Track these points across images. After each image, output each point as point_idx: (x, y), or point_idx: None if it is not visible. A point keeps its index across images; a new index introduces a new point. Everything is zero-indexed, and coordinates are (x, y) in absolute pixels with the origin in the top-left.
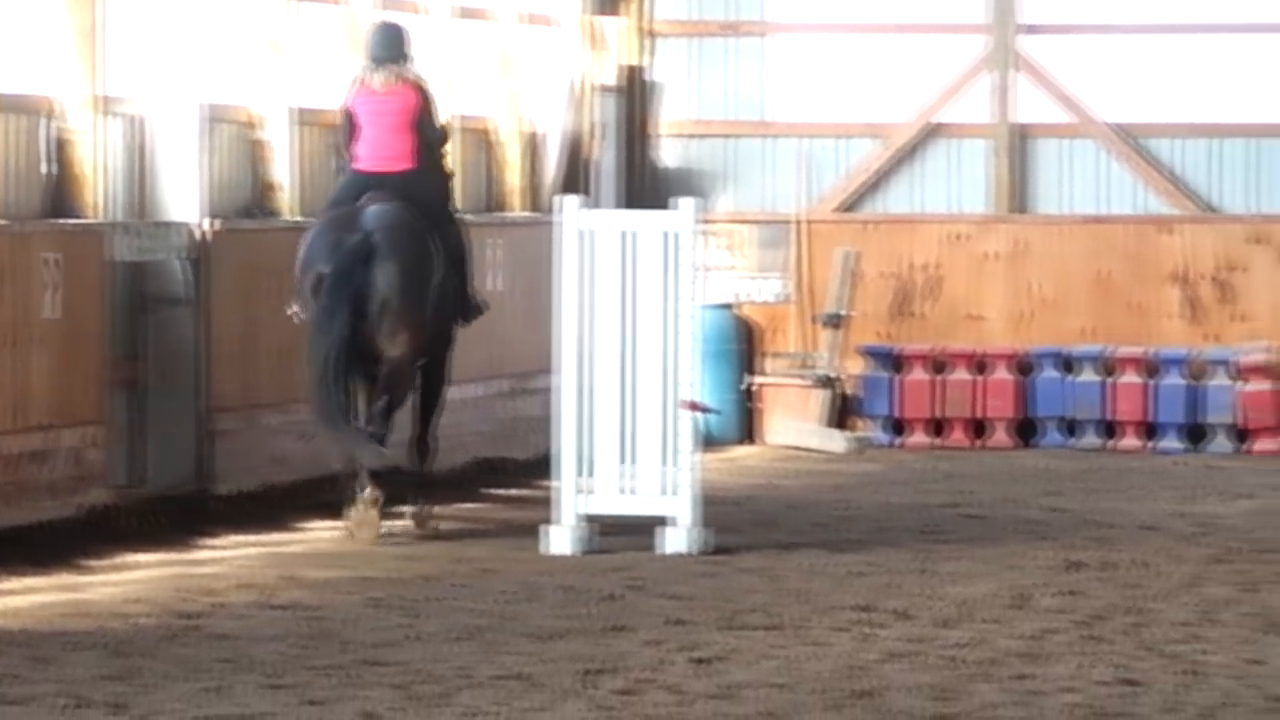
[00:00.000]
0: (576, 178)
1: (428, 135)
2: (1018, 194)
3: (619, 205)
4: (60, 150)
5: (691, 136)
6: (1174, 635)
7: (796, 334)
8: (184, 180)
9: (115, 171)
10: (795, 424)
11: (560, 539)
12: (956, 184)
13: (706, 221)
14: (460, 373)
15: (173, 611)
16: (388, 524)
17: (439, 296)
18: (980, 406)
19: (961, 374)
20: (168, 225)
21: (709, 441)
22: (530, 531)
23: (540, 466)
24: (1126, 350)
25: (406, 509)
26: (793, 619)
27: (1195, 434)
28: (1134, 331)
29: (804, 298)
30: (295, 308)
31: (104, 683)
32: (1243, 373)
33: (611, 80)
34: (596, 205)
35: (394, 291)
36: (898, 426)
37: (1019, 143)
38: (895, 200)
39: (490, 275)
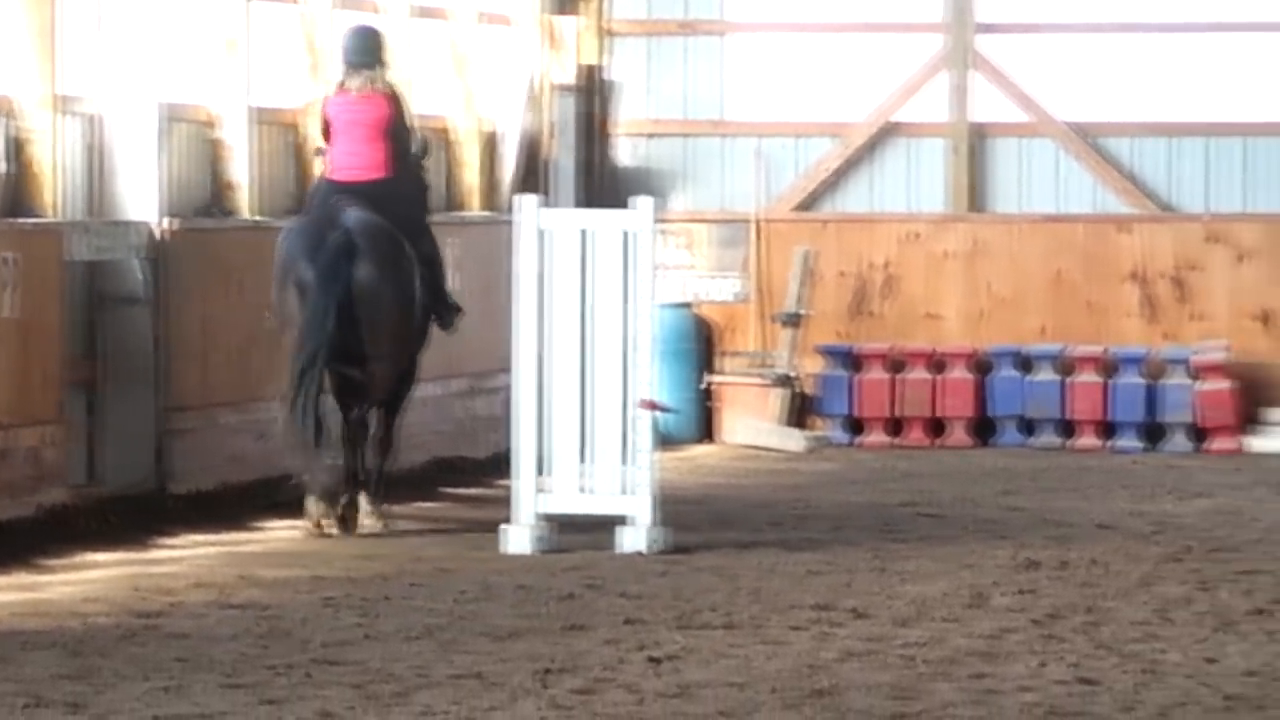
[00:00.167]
0: (534, 177)
1: (401, 144)
2: (975, 193)
3: (576, 204)
4: (18, 149)
5: (649, 136)
6: (1130, 634)
7: (754, 333)
8: (141, 179)
9: (73, 171)
10: (753, 423)
11: (518, 538)
12: (914, 183)
13: (664, 221)
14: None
15: (130, 611)
16: (344, 521)
17: (417, 300)
18: (938, 405)
19: (919, 373)
20: (125, 224)
21: (666, 441)
22: (488, 531)
23: (498, 466)
24: (1084, 349)
25: (364, 505)
26: (750, 618)
27: (1152, 433)
28: (1091, 331)
29: (762, 297)
30: (270, 312)
31: (61, 682)
32: (1200, 372)
33: (569, 79)
34: (554, 204)
35: (374, 293)
36: (855, 425)
37: (976, 142)
38: (853, 199)
39: (448, 274)
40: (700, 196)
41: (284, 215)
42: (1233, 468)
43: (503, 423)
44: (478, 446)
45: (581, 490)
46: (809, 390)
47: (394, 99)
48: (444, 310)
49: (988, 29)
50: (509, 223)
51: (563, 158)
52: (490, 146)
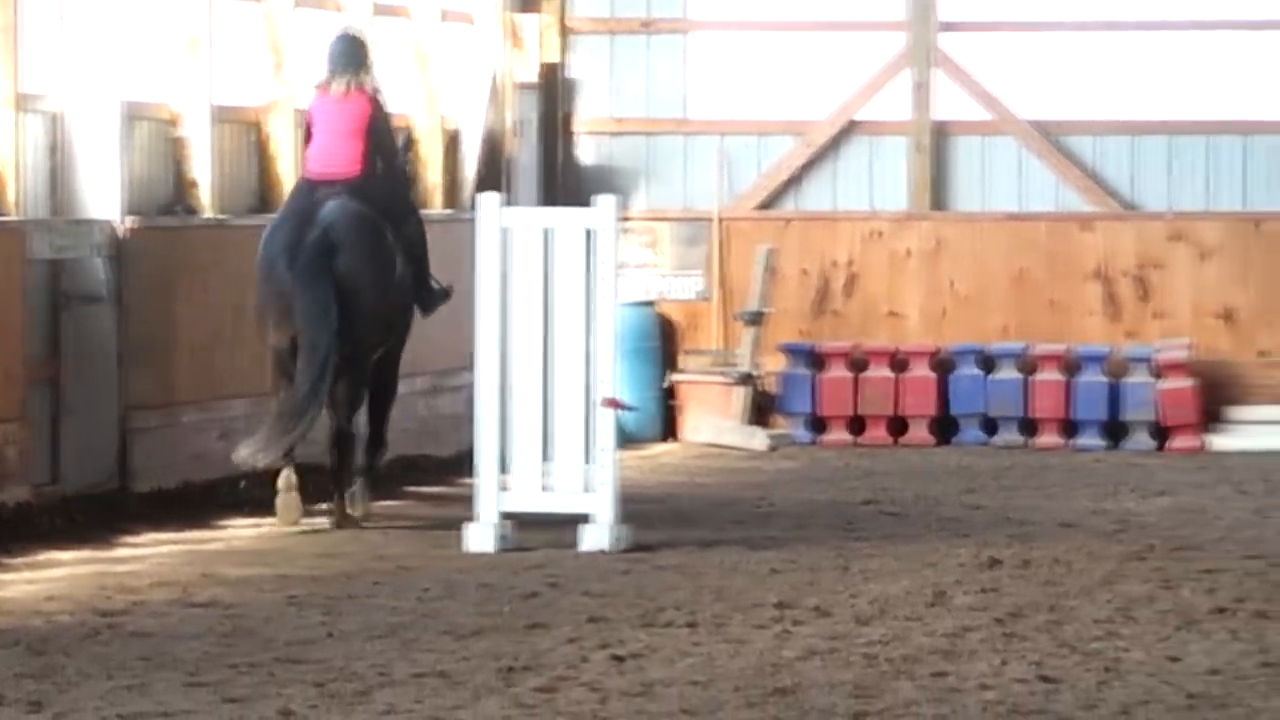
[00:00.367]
0: (495, 175)
1: (380, 143)
2: (937, 191)
3: (537, 203)
4: None
5: (610, 134)
6: (1092, 632)
7: (716, 332)
8: (103, 177)
9: (34, 169)
10: (715, 421)
11: (479, 536)
12: (876, 181)
13: (625, 219)
14: None
15: (92, 609)
16: (315, 507)
17: (399, 288)
18: (899, 404)
19: (880, 371)
20: (87, 223)
21: (628, 439)
22: (450, 529)
23: (460, 464)
24: (1045, 348)
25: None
26: (711, 616)
27: (1114, 431)
28: (1053, 329)
29: (724, 295)
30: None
31: (23, 680)
32: (1162, 370)
33: (531, 78)
34: (515, 202)
35: (355, 285)
36: (817, 424)
37: (938, 140)
38: (814, 198)
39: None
40: (662, 195)
41: (246, 213)
42: (1195, 466)
43: (466, 421)
44: (441, 445)
45: (543, 488)
46: (771, 389)
47: (375, 100)
48: (426, 295)
49: (950, 27)
50: (471, 221)
51: (524, 156)
52: (452, 144)
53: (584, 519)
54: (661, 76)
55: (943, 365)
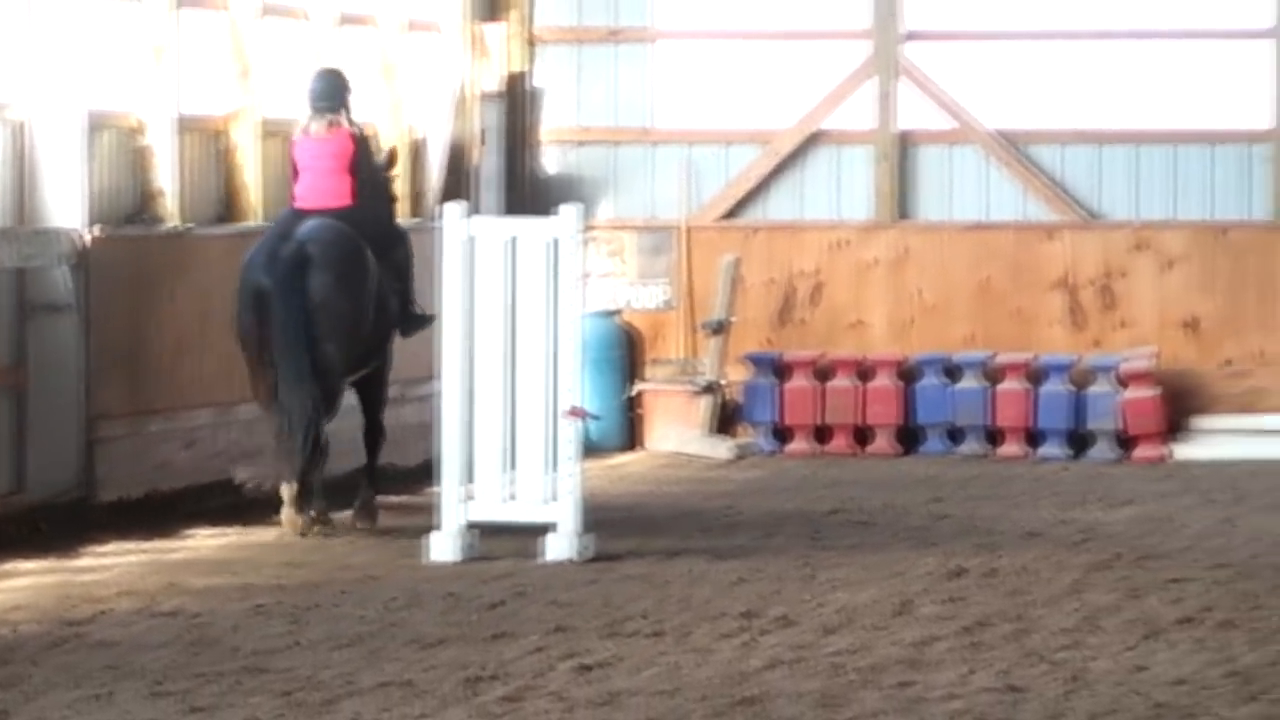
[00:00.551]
0: (459, 184)
1: (365, 177)
2: (901, 201)
3: (501, 212)
4: None
5: (575, 143)
6: (1057, 642)
7: (680, 341)
8: (67, 187)
9: None
10: (679, 431)
11: (443, 546)
12: (840, 191)
13: (589, 228)
14: None
15: (58, 619)
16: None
17: (378, 309)
18: (863, 413)
19: (844, 381)
20: (51, 232)
21: (592, 448)
22: (414, 538)
23: (424, 473)
24: (1009, 357)
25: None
26: (676, 626)
27: (1078, 441)
28: (1017, 338)
29: (688, 305)
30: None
31: None
32: (1126, 380)
33: (495, 87)
34: (479, 212)
35: (326, 302)
36: (782, 433)
37: (902, 149)
38: (778, 207)
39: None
40: (627, 204)
41: (211, 223)
42: (1159, 475)
43: (431, 430)
44: (406, 454)
45: (508, 498)
46: (735, 398)
47: (358, 136)
48: (408, 318)
49: (914, 36)
50: (434, 230)
51: (489, 165)
52: (416, 154)
53: (549, 528)
54: (626, 86)
55: (907, 374)
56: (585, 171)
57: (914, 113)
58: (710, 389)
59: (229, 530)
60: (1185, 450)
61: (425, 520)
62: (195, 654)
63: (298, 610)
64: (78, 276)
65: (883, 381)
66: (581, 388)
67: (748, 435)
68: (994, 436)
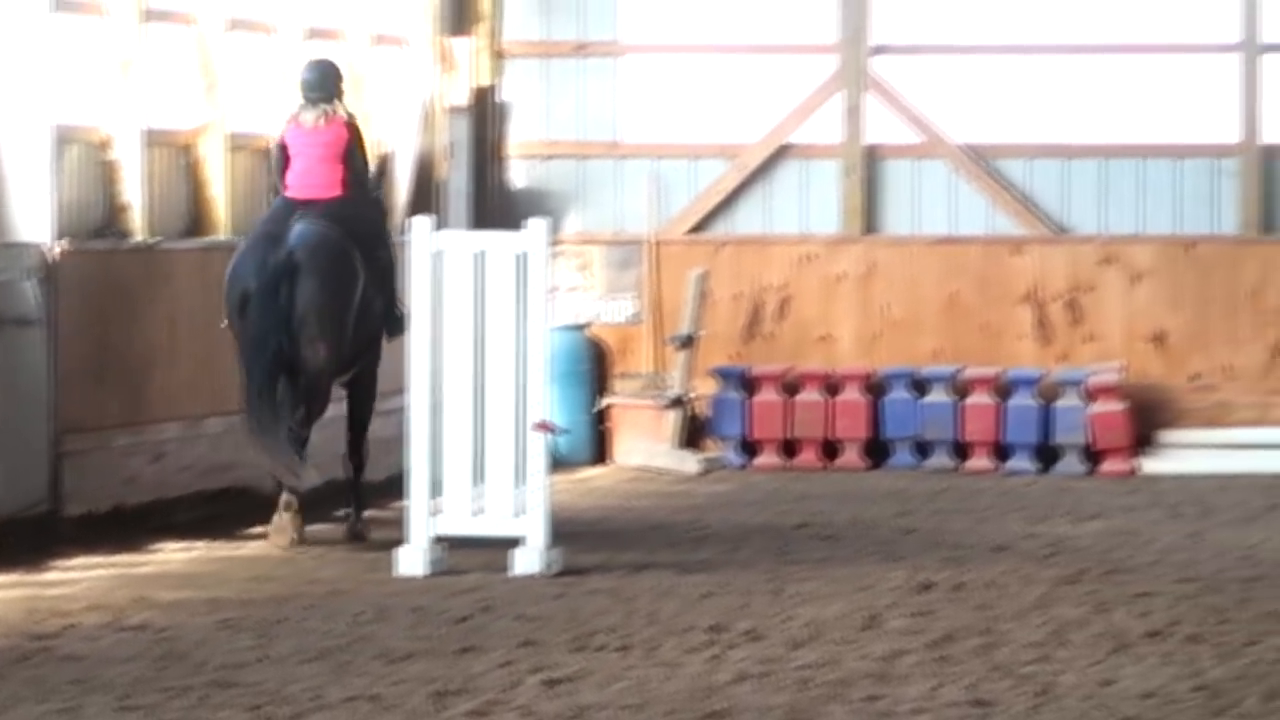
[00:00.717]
0: (427, 198)
1: (356, 167)
2: (869, 215)
3: (469, 226)
4: None
5: (542, 157)
6: (1025, 656)
7: (648, 355)
8: (34, 201)
9: None
10: (646, 445)
11: (411, 560)
12: (808, 205)
13: (557, 242)
14: None
15: (24, 633)
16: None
17: (363, 313)
18: (831, 427)
19: (812, 395)
20: (18, 246)
21: (560, 462)
22: (382, 552)
23: (392, 487)
24: (977, 371)
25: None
26: (644, 640)
27: (1046, 455)
28: (985, 352)
29: (656, 319)
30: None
31: None
32: (1093, 393)
33: (462, 100)
34: (446, 225)
35: (313, 307)
36: (749, 447)
37: (870, 163)
38: (746, 221)
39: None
40: (594, 218)
41: (178, 237)
42: (1127, 490)
43: (397, 444)
44: (374, 468)
45: (475, 512)
46: (703, 412)
47: (350, 126)
48: (393, 321)
49: (881, 50)
50: (403, 244)
51: (456, 179)
52: (384, 168)
53: (516, 542)
54: (594, 99)
55: (875, 388)
56: (553, 185)
57: (881, 126)
58: (678, 403)
59: (197, 544)
60: (1153, 464)
61: (393, 534)
62: (163, 668)
63: (265, 624)
64: (45, 290)
65: (850, 395)
66: (549, 402)
67: (715, 449)
68: (962, 450)
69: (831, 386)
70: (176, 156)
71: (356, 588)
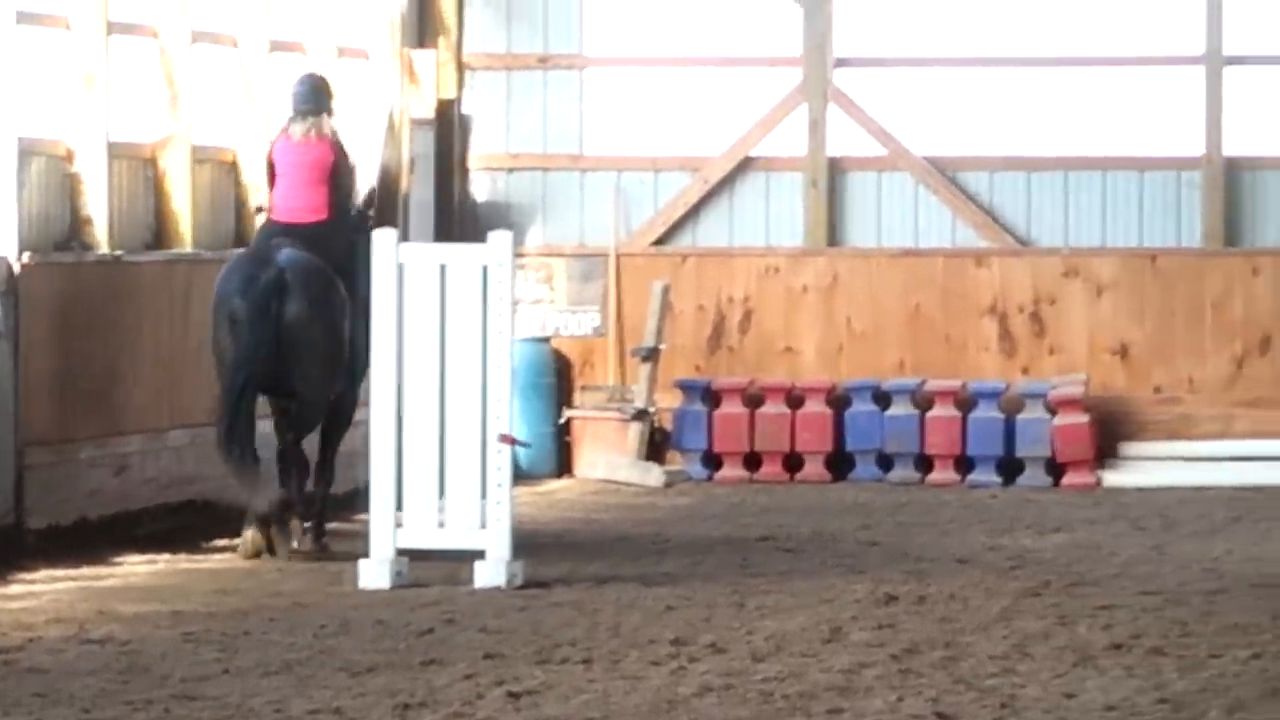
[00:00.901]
0: (391, 211)
1: (342, 188)
2: (832, 227)
3: (433, 239)
4: None
5: (506, 170)
6: (988, 669)
7: (612, 367)
8: None
9: None
10: (610, 458)
11: (374, 573)
12: (771, 217)
13: (521, 255)
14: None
15: None
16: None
17: (349, 338)
18: (795, 440)
19: (775, 407)
20: None
21: (522, 475)
22: (344, 565)
23: (355, 500)
24: (941, 384)
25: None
26: (607, 653)
27: (1008, 467)
28: (948, 365)
29: (619, 331)
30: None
31: None
32: (1057, 406)
33: (426, 113)
34: (409, 239)
35: (303, 328)
36: (712, 460)
37: (833, 176)
38: (709, 233)
39: None
40: (558, 231)
41: (141, 250)
42: (1090, 502)
43: (361, 457)
44: (337, 480)
45: (439, 525)
46: (666, 425)
47: (337, 145)
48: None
49: (844, 63)
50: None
51: (420, 192)
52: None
53: (479, 555)
54: (557, 112)
55: (838, 401)
56: (515, 198)
57: (844, 139)
58: (640, 416)
59: (159, 557)
60: (1115, 477)
61: (356, 547)
62: (125, 681)
63: (228, 638)
64: (8, 304)
65: (813, 408)
66: (512, 414)
67: (678, 462)
68: (924, 463)
69: (794, 399)
70: (140, 169)
71: (319, 601)
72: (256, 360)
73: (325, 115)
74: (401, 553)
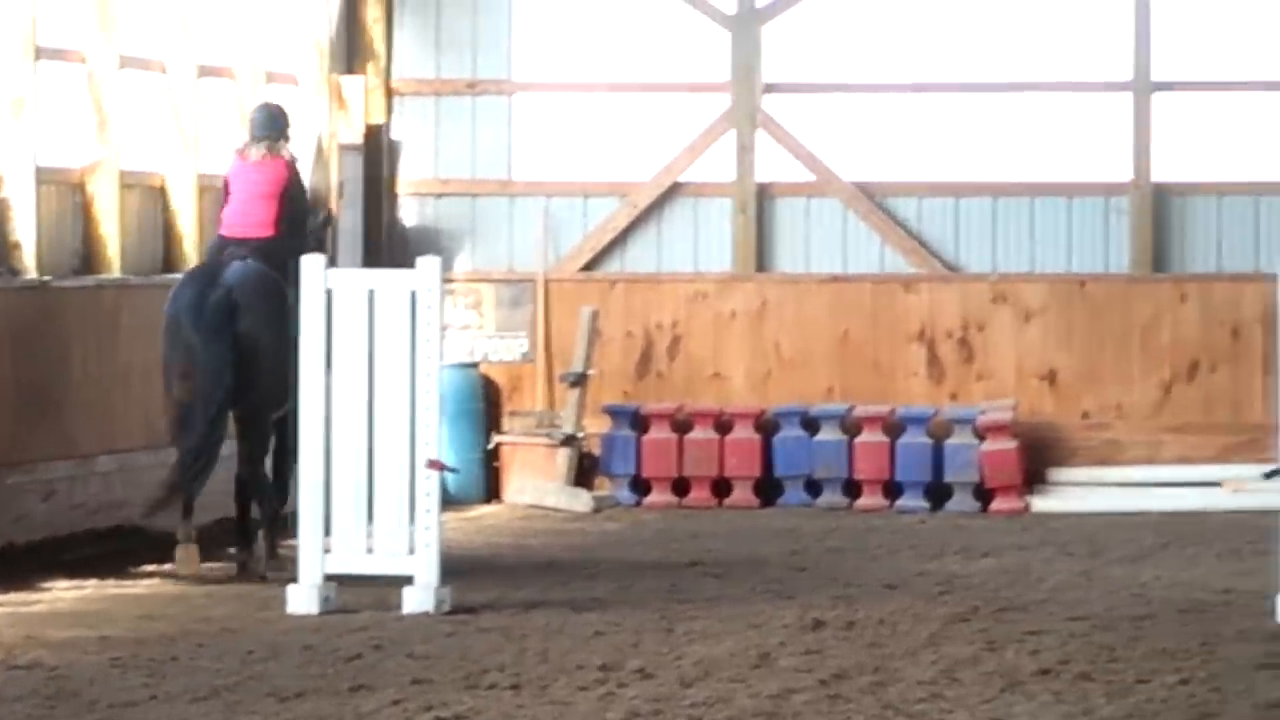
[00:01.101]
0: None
1: (293, 208)
2: (761, 253)
3: (361, 264)
4: None
5: (434, 195)
6: (917, 694)
7: (540, 393)
8: None
9: None
10: (538, 483)
11: (302, 598)
12: (700, 243)
13: (449, 280)
14: None
15: None
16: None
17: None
18: (723, 465)
19: (704, 433)
20: None
21: (451, 500)
22: (273, 591)
23: (284, 525)
24: (868, 409)
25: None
26: (536, 678)
27: (937, 493)
28: (876, 390)
29: (548, 357)
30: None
31: None
32: (985, 432)
33: (354, 139)
34: (337, 264)
35: (257, 343)
36: (641, 485)
37: (761, 201)
38: (637, 259)
39: None
40: (486, 256)
41: (69, 275)
42: (1018, 528)
43: (290, 482)
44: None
45: (367, 550)
46: (594, 450)
47: (291, 167)
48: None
49: (773, 89)
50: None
51: (348, 217)
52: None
53: (407, 581)
54: (486, 138)
55: (767, 427)
56: (444, 223)
57: (773, 165)
58: (569, 441)
59: (87, 582)
60: (1043, 502)
61: (285, 572)
62: (53, 707)
63: (155, 663)
64: None
65: (742, 434)
66: (440, 440)
67: (606, 487)
68: (853, 488)
69: (723, 425)
70: (68, 194)
71: (247, 626)
72: (223, 388)
73: (282, 141)
74: (330, 578)
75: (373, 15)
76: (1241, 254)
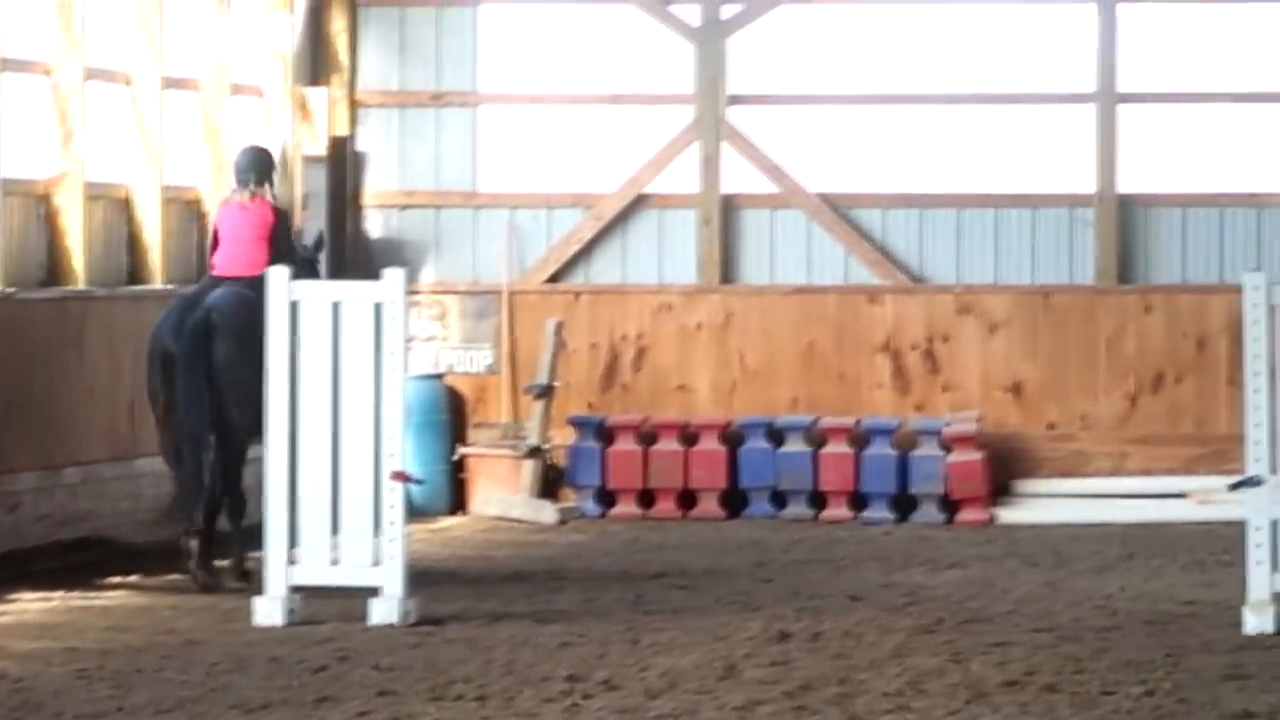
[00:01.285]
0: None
1: (281, 250)
2: (726, 264)
3: (326, 276)
4: None
5: (399, 207)
6: (882, 706)
7: (505, 405)
8: None
9: None
10: (503, 495)
11: (268, 610)
12: (665, 254)
13: (414, 292)
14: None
15: None
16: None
17: None
18: (688, 477)
19: (669, 445)
20: None
21: (416, 512)
22: (239, 603)
23: (249, 537)
24: (833, 421)
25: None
26: (501, 690)
27: (903, 504)
28: (842, 402)
29: (513, 368)
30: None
31: None
32: (950, 443)
33: (319, 151)
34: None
35: (231, 367)
36: (606, 497)
37: (726, 213)
38: (602, 271)
39: None
40: (451, 268)
41: (34, 287)
42: (983, 539)
43: (255, 494)
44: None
45: (332, 562)
46: (560, 462)
47: (277, 209)
48: None
49: (738, 100)
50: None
51: (312, 229)
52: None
53: (373, 592)
54: (450, 149)
55: (732, 438)
56: (409, 235)
57: (738, 176)
58: (534, 453)
59: (53, 595)
60: (1009, 514)
61: (250, 584)
62: (19, 719)
63: (121, 675)
64: None
65: (707, 445)
66: (405, 452)
67: (572, 499)
68: (818, 500)
69: (688, 436)
70: (33, 206)
71: (213, 638)
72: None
73: (267, 185)
74: (295, 590)
75: (337, 27)
76: (1206, 265)
